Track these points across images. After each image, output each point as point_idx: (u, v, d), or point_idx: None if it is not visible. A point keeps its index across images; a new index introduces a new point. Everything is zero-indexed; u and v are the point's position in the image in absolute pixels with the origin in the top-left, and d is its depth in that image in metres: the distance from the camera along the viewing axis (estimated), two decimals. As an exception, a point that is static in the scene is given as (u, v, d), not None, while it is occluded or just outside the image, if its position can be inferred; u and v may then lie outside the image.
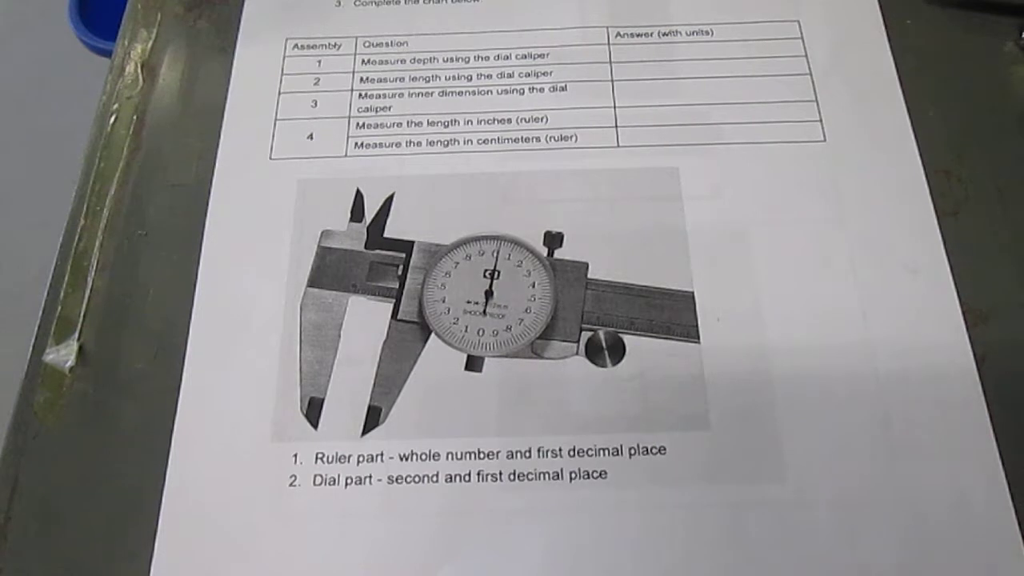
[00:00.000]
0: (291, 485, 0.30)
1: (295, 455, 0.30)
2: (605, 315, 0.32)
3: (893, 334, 0.32)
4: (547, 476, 0.30)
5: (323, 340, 0.32)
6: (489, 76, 0.38)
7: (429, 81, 0.38)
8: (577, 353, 0.32)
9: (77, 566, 0.29)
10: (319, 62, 0.39)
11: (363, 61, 0.39)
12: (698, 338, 0.32)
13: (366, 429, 0.31)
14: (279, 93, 0.38)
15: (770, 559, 0.28)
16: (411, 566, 0.29)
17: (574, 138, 0.36)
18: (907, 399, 0.31)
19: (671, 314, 0.32)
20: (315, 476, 0.30)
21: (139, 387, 0.32)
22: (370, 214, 0.35)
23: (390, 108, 0.37)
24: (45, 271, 0.34)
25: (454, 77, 0.38)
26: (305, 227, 0.34)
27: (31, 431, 0.31)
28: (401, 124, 0.37)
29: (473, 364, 0.32)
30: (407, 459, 0.30)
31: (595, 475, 0.30)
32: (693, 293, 0.33)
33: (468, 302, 0.33)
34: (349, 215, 0.35)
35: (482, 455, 0.30)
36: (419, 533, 0.29)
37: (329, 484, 0.30)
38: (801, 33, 0.38)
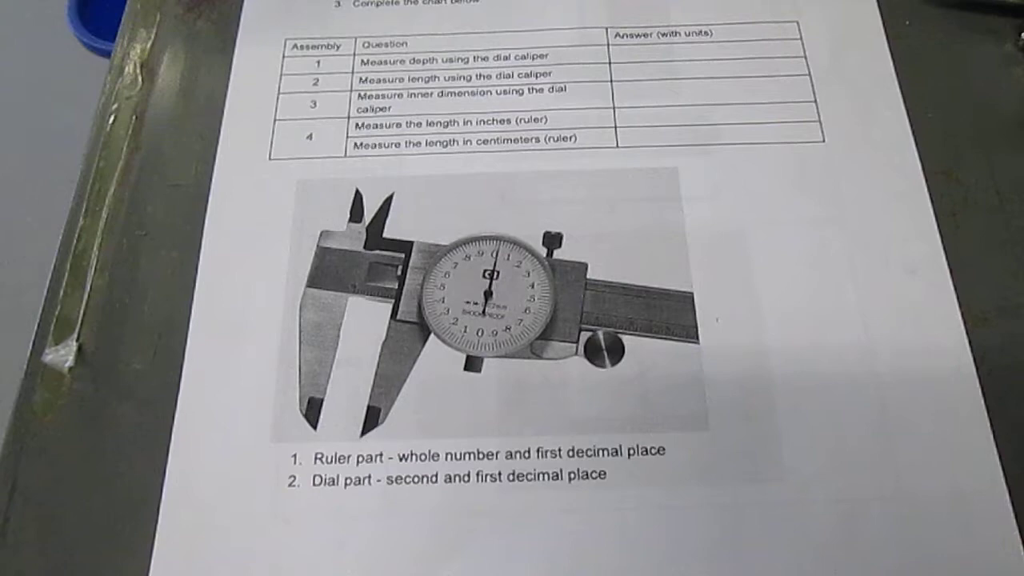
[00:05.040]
0: (290, 485, 0.30)
1: (294, 455, 0.30)
2: (604, 315, 0.32)
3: (892, 335, 0.32)
4: (546, 476, 0.30)
5: (322, 340, 0.32)
6: (488, 76, 0.38)
7: (428, 81, 0.38)
8: (576, 353, 0.32)
9: (77, 566, 0.29)
10: (318, 62, 0.39)
11: (362, 61, 0.39)
12: (697, 338, 0.32)
13: (365, 429, 0.31)
14: (278, 93, 0.38)
15: (769, 559, 0.28)
16: (410, 566, 0.29)
17: (573, 138, 0.36)
18: (906, 400, 0.31)
19: (670, 314, 0.32)
20: (314, 476, 0.30)
21: (139, 387, 0.32)
22: (369, 214, 0.35)
23: (389, 108, 0.37)
24: (44, 271, 0.34)
25: (453, 77, 0.38)
26: (304, 227, 0.34)
27: (30, 431, 0.31)
28: (400, 124, 0.37)
29: (472, 364, 0.32)
30: (406, 459, 0.30)
31: (594, 475, 0.30)
32: (692, 293, 0.33)
33: (467, 302, 0.33)
34: (348, 215, 0.35)
35: (481, 455, 0.30)
36: (418, 533, 0.29)
37: (328, 484, 0.30)
38: (800, 34, 0.38)
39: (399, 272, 0.33)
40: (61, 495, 0.30)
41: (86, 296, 0.33)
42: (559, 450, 0.30)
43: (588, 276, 0.33)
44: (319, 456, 0.30)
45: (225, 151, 0.36)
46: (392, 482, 0.30)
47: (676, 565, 0.28)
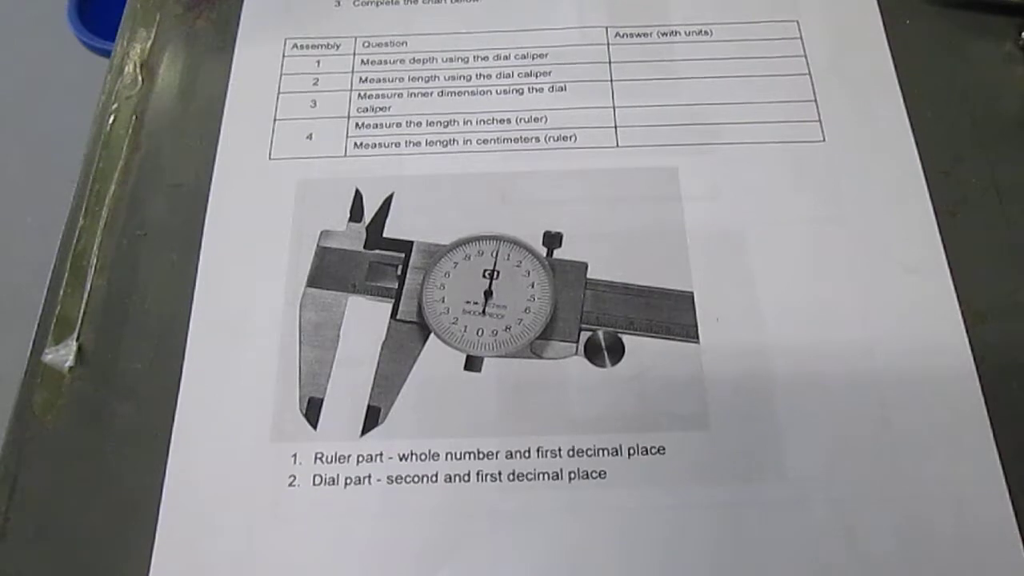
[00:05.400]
0: (290, 485, 0.30)
1: (294, 455, 0.30)
2: (604, 315, 0.32)
3: (892, 334, 0.32)
4: (546, 476, 0.30)
5: (322, 340, 0.32)
6: (488, 76, 0.38)
7: (428, 81, 0.38)
8: (576, 353, 0.32)
9: (77, 566, 0.29)
10: (318, 62, 0.39)
11: (362, 61, 0.39)
12: (697, 338, 0.32)
13: (365, 429, 0.31)
14: (278, 93, 0.38)
15: (769, 559, 0.28)
16: (410, 566, 0.29)
17: (573, 138, 0.36)
18: (906, 399, 0.31)
19: (670, 314, 0.32)
20: (314, 476, 0.30)
21: (139, 387, 0.32)
22: (369, 214, 0.35)
23: (389, 108, 0.37)
24: (44, 271, 0.34)
25: (453, 77, 0.38)
26: (304, 227, 0.34)
27: (30, 431, 0.31)
28: (400, 124, 0.37)
29: (472, 364, 0.32)
30: (406, 459, 0.30)
31: (594, 475, 0.30)
32: (692, 293, 0.33)
33: (467, 302, 0.33)
34: (348, 215, 0.35)
35: (481, 455, 0.30)
36: (418, 533, 0.29)
37: (328, 484, 0.30)
38: (800, 33, 0.38)
39: (399, 272, 0.33)
40: (61, 495, 0.30)
41: (86, 296, 0.33)
42: (559, 450, 0.30)
43: (588, 276, 0.33)
44: (319, 456, 0.30)
45: (225, 151, 0.36)
46: (392, 482, 0.30)
47: (676, 565, 0.28)
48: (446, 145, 0.36)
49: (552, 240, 0.34)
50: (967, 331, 0.32)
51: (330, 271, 0.34)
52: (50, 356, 0.32)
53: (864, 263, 0.33)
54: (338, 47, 0.39)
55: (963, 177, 0.35)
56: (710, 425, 0.30)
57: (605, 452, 0.30)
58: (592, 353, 0.32)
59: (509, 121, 0.37)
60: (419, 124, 0.37)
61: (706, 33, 0.39)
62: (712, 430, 0.30)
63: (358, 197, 0.35)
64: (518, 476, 0.30)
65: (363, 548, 0.29)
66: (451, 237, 0.34)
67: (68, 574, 0.29)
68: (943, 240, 0.33)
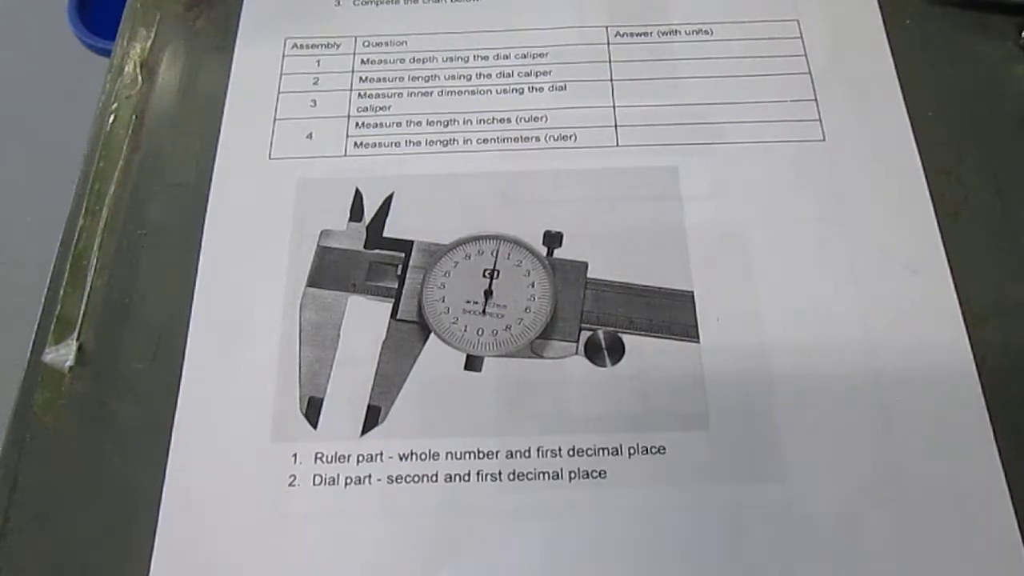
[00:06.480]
0: (290, 485, 0.30)
1: (294, 455, 0.30)
2: (604, 315, 0.32)
3: (893, 334, 0.32)
4: (546, 476, 0.30)
5: (322, 340, 0.32)
6: (488, 76, 0.38)
7: (428, 81, 0.38)
8: (576, 353, 0.32)
9: (76, 566, 0.29)
10: (318, 62, 0.39)
11: (362, 61, 0.39)
12: (697, 338, 0.32)
13: (365, 429, 0.31)
14: (278, 93, 0.38)
15: (770, 559, 0.28)
16: (411, 566, 0.29)
17: (573, 138, 0.36)
18: (907, 399, 0.31)
19: (670, 314, 0.32)
20: (314, 476, 0.30)
21: (139, 387, 0.32)
22: (369, 214, 0.35)
23: (389, 108, 0.37)
24: (44, 271, 0.34)
25: (453, 77, 0.38)
26: (304, 227, 0.34)
27: (30, 431, 0.31)
28: (400, 124, 0.37)
29: (472, 364, 0.32)
30: (406, 459, 0.30)
31: (594, 475, 0.30)
32: (692, 293, 0.33)
33: (467, 302, 0.33)
34: (348, 215, 0.35)
35: (481, 455, 0.30)
36: (419, 533, 0.29)
37: (328, 484, 0.30)
38: (800, 32, 0.38)
39: (399, 271, 0.33)
40: (61, 495, 0.30)
41: (86, 296, 0.33)
42: (559, 449, 0.30)
43: (588, 275, 0.33)
44: (319, 456, 0.30)
45: (225, 151, 0.36)
46: (392, 482, 0.30)
47: (676, 564, 0.28)
48: (446, 145, 0.36)
49: (552, 240, 0.34)
50: (967, 331, 0.32)
51: (330, 271, 0.34)
52: (50, 356, 0.32)
53: (864, 263, 0.33)
54: (338, 47, 0.39)
55: (963, 177, 0.35)
56: (710, 425, 0.30)
57: (605, 452, 0.30)
58: (592, 353, 0.32)
59: (509, 121, 0.37)
60: (419, 124, 0.37)
61: (706, 32, 0.39)
62: (712, 430, 0.30)
63: (358, 197, 0.35)
64: (518, 476, 0.30)
65: (363, 548, 0.29)
66: (451, 237, 0.34)
67: (68, 574, 0.29)
68: (943, 240, 0.33)
